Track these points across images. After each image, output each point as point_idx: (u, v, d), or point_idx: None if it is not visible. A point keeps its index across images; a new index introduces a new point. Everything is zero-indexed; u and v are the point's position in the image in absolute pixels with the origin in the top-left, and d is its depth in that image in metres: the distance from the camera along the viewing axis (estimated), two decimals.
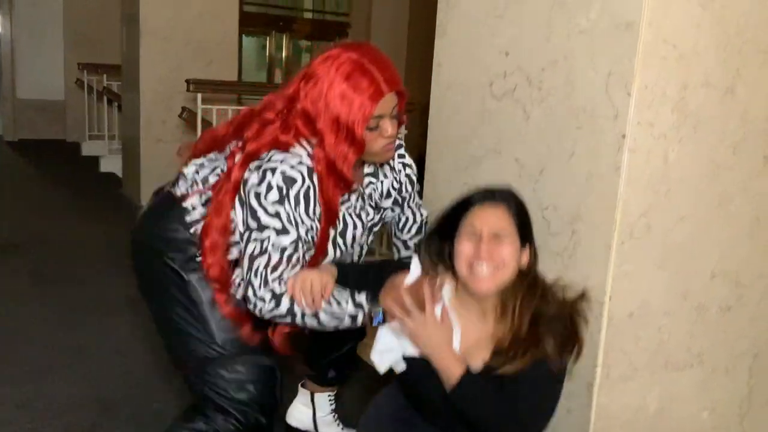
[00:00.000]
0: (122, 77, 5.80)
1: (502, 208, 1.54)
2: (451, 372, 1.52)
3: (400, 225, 2.04)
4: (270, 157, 1.65)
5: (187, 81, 4.26)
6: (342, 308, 1.64)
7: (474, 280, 1.53)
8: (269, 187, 1.61)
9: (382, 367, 1.63)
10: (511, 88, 1.81)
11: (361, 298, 1.66)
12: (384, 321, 1.63)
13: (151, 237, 1.81)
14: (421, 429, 1.71)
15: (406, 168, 1.95)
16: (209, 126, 4.47)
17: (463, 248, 1.54)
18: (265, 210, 1.62)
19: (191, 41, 5.32)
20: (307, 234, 1.66)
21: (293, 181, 1.63)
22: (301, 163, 1.64)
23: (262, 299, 1.63)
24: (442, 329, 1.58)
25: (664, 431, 1.77)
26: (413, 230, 2.04)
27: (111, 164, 6.73)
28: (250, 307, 1.66)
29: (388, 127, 1.66)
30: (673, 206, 1.62)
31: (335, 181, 1.67)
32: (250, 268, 1.63)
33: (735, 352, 1.85)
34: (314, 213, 1.67)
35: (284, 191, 1.62)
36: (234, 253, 1.73)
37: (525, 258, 1.57)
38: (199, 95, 4.26)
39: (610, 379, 1.64)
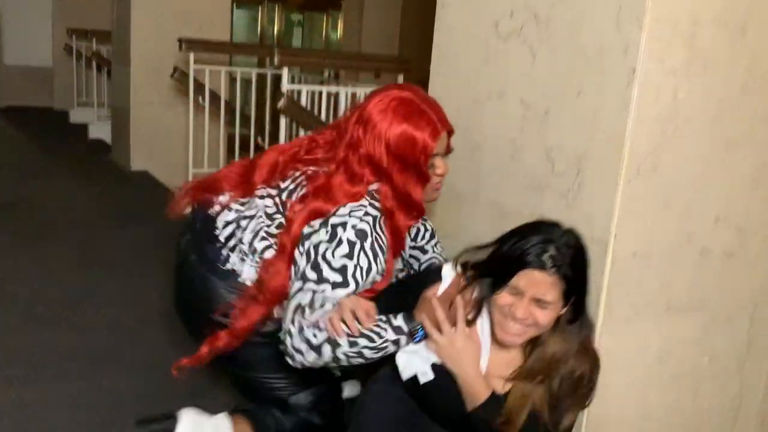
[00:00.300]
0: (112, 43, 5.70)
1: (554, 278, 1.44)
2: (476, 393, 1.51)
3: (413, 235, 1.98)
4: (336, 212, 1.62)
5: (180, 40, 4.21)
6: (383, 338, 1.56)
7: (503, 332, 1.51)
8: (340, 242, 1.58)
9: (405, 372, 1.59)
10: (518, 27, 1.77)
11: (399, 320, 1.58)
12: (425, 337, 1.56)
13: (201, 295, 1.77)
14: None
15: (426, 222, 1.97)
16: (201, 87, 4.41)
17: (503, 300, 1.48)
18: (330, 265, 1.58)
19: (182, 11, 5.20)
20: (370, 280, 1.63)
21: (365, 234, 1.60)
22: (367, 214, 1.62)
23: (299, 351, 1.56)
24: (471, 347, 1.55)
25: (663, 376, 1.77)
26: (427, 236, 2.00)
27: (100, 131, 6.64)
28: (289, 361, 1.60)
29: (441, 165, 1.71)
30: (680, 146, 1.60)
31: (406, 211, 1.69)
32: (292, 320, 1.57)
33: (736, 299, 1.84)
34: (383, 261, 1.64)
35: (357, 246, 1.58)
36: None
37: (568, 312, 1.51)
38: (192, 54, 4.20)
39: (612, 320, 1.63)
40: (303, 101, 3.61)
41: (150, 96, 5.29)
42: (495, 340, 1.56)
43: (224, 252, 1.75)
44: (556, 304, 1.46)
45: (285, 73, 3.43)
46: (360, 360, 1.58)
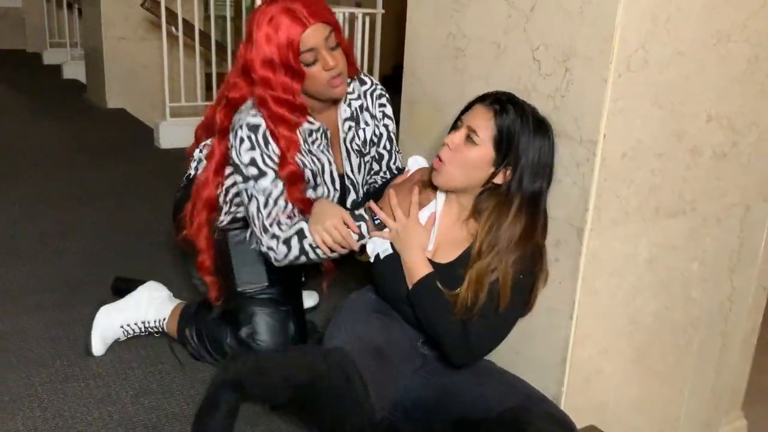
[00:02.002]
0: None
1: (490, 113, 1.55)
2: (415, 272, 1.62)
3: (376, 140, 1.99)
4: (235, 120, 1.78)
5: None
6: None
7: (434, 169, 1.62)
8: (241, 140, 1.73)
9: (372, 254, 1.71)
10: None
11: (360, 210, 1.73)
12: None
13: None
14: (394, 318, 1.73)
15: (386, 118, 1.98)
16: (173, 17, 4.26)
17: (447, 137, 1.60)
18: (242, 162, 1.74)
19: None
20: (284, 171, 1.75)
21: (257, 126, 1.73)
22: (255, 114, 1.74)
23: (271, 248, 1.74)
24: (420, 233, 1.65)
25: (652, 280, 1.73)
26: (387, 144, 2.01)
27: (74, 71, 6.47)
28: (268, 258, 1.78)
29: (328, 59, 1.71)
30: (671, 39, 1.53)
31: (289, 110, 1.74)
32: (248, 217, 1.79)
33: (727, 201, 1.80)
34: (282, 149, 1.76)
35: (253, 138, 1.72)
36: (242, 211, 1.89)
37: (501, 177, 1.57)
38: None
39: (601, 222, 1.58)
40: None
41: (122, 31, 5.12)
42: (446, 216, 1.68)
43: (191, 164, 2.02)
44: (483, 145, 1.55)
45: None
46: (330, 253, 1.72)
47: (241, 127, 1.74)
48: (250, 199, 1.75)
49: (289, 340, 1.89)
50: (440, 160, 1.60)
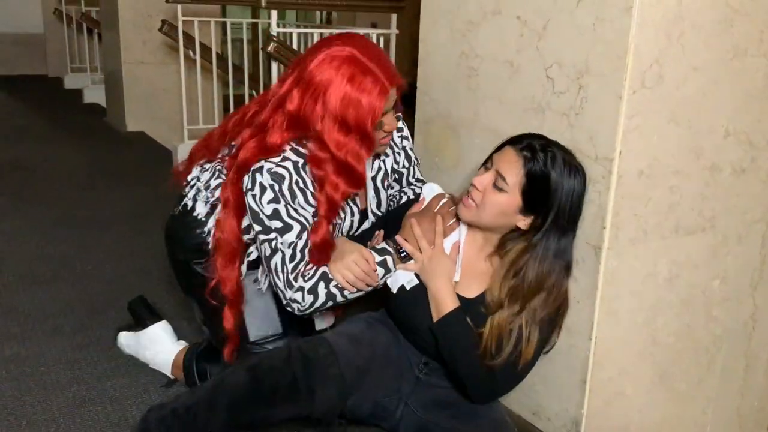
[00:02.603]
0: (100, 4, 5.56)
1: (520, 161, 1.51)
2: (443, 304, 1.59)
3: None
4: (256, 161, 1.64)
5: None
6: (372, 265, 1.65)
7: (460, 205, 1.61)
8: (263, 189, 1.60)
9: (395, 287, 1.68)
10: None
11: (382, 244, 1.69)
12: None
13: (174, 246, 1.90)
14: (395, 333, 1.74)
15: (404, 140, 1.92)
16: (191, 40, 4.31)
17: (476, 176, 1.57)
18: (263, 211, 1.61)
19: None
20: (313, 218, 1.65)
21: (282, 177, 1.61)
22: (285, 159, 1.63)
23: (295, 300, 1.63)
24: (447, 262, 1.63)
25: (673, 300, 1.70)
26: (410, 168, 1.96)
27: (94, 95, 6.55)
28: (289, 310, 1.67)
29: (392, 122, 1.67)
30: (686, 54, 1.51)
31: (347, 180, 1.63)
32: (269, 269, 1.65)
33: (748, 218, 1.76)
34: (313, 200, 1.65)
35: (276, 188, 1.60)
36: (254, 254, 1.77)
37: (526, 224, 1.55)
38: (180, 6, 4.08)
39: (618, 241, 1.55)
40: (294, 45, 3.50)
41: (141, 55, 5.19)
42: (470, 250, 1.66)
43: (185, 190, 1.85)
44: (510, 192, 1.51)
45: (274, 16, 3.31)
46: (356, 293, 1.66)
47: (261, 171, 1.60)
48: (274, 252, 1.62)
49: None
50: (471, 199, 1.57)
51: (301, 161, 1.64)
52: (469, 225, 1.66)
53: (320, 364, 1.55)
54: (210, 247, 1.77)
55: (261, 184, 1.60)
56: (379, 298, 1.77)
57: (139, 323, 2.12)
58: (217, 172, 1.79)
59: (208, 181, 1.80)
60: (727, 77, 1.60)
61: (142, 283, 2.61)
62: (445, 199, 1.72)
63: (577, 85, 1.56)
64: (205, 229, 1.79)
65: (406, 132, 1.93)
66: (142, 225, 3.29)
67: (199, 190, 1.81)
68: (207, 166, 1.82)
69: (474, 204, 1.57)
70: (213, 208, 1.78)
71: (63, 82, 7.35)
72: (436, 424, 1.63)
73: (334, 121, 1.58)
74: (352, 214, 1.80)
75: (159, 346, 2.04)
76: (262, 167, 1.61)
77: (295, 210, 1.62)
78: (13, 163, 4.34)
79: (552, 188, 1.49)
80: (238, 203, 1.66)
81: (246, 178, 1.63)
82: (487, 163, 1.58)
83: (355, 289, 1.65)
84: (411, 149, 1.95)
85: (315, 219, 1.64)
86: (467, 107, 1.88)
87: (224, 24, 4.79)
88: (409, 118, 2.04)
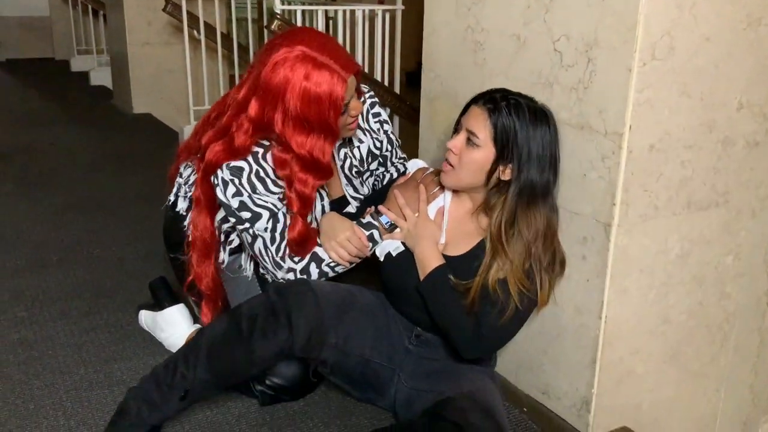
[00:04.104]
0: None
1: (485, 114, 1.54)
2: (427, 264, 1.62)
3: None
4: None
5: None
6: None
7: (442, 173, 1.63)
8: (225, 183, 1.65)
9: (383, 256, 1.71)
10: None
11: (367, 218, 1.73)
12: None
13: (165, 242, 2.06)
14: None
15: (384, 125, 1.96)
16: (195, 20, 4.27)
17: (450, 140, 1.61)
18: (232, 207, 1.67)
19: None
20: (281, 203, 1.69)
21: (240, 169, 1.65)
22: (242, 156, 1.66)
23: (286, 280, 1.69)
24: (430, 227, 1.67)
25: (685, 277, 1.67)
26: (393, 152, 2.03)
27: (101, 77, 6.52)
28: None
29: (356, 106, 1.71)
30: (698, 25, 1.47)
31: (314, 174, 1.67)
32: (255, 255, 1.73)
33: (762, 193, 1.72)
34: (276, 186, 1.68)
35: (236, 182, 1.64)
36: (235, 241, 1.86)
37: (507, 174, 1.56)
38: None
39: (629, 218, 1.52)
40: (298, 23, 3.45)
41: (146, 36, 5.16)
42: (457, 210, 1.69)
43: (174, 186, 1.95)
44: (484, 146, 1.54)
45: None
46: (347, 265, 1.73)
47: (220, 168, 1.65)
48: (254, 238, 1.69)
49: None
50: (449, 164, 1.61)
51: (261, 151, 1.67)
52: (454, 191, 1.68)
53: (295, 291, 1.56)
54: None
55: (223, 179, 1.65)
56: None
57: (157, 304, 2.12)
58: (195, 169, 1.82)
59: (188, 177, 1.88)
60: (740, 48, 1.55)
61: (150, 267, 2.60)
62: (429, 171, 1.78)
63: (586, 59, 1.52)
64: (185, 223, 1.85)
65: (384, 116, 1.97)
66: (149, 208, 3.27)
67: (180, 186, 1.91)
68: (191, 162, 1.88)
69: (452, 167, 1.60)
70: (191, 203, 1.82)
71: (70, 65, 7.32)
72: (420, 390, 1.63)
73: (296, 122, 1.60)
74: (321, 199, 1.83)
75: (174, 328, 2.05)
76: (220, 163, 1.65)
77: (259, 198, 1.66)
78: (20, 147, 4.34)
79: (519, 131, 1.52)
80: (209, 200, 1.72)
81: (212, 176, 1.68)
82: (457, 127, 1.62)
83: (348, 264, 1.71)
84: (392, 132, 2.00)
85: (289, 212, 1.69)
86: (473, 83, 1.84)
87: (229, 3, 4.74)
88: (415, 96, 2.01)
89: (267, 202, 1.67)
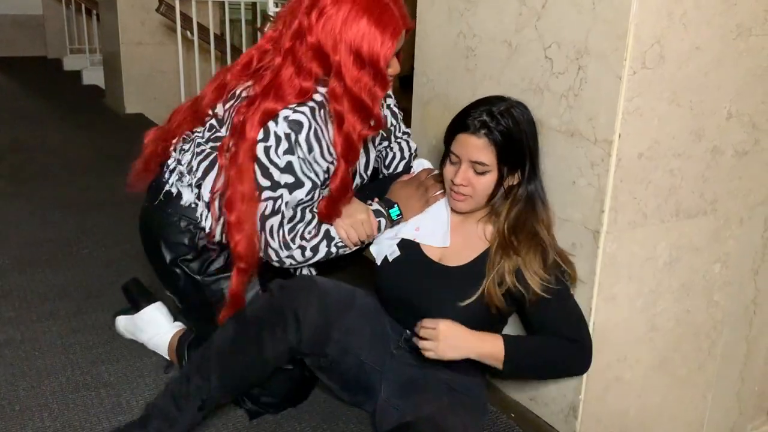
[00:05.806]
0: None
1: (483, 140, 1.53)
2: (493, 353, 1.53)
3: (387, 162, 1.93)
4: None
5: None
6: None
7: (452, 201, 1.63)
8: (278, 138, 1.50)
9: (379, 258, 1.70)
10: None
11: (375, 206, 1.68)
12: (401, 214, 1.71)
13: (158, 243, 1.74)
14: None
15: (387, 98, 1.87)
16: (189, 21, 4.26)
17: (446, 171, 1.61)
18: (276, 165, 1.51)
19: None
20: (324, 175, 1.59)
21: (300, 124, 1.51)
22: (302, 104, 1.52)
23: (291, 257, 1.61)
24: (459, 332, 1.53)
25: (673, 284, 1.68)
26: (400, 167, 1.92)
27: (93, 77, 6.48)
28: (276, 264, 1.63)
29: (396, 65, 1.57)
30: (688, 34, 1.47)
31: (362, 119, 1.52)
32: (263, 228, 1.57)
33: (750, 201, 1.73)
34: (330, 154, 1.57)
35: (293, 138, 1.51)
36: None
37: (516, 178, 1.59)
38: None
39: (617, 225, 1.53)
40: None
41: (140, 36, 5.13)
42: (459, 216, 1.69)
43: (165, 176, 1.73)
44: (492, 168, 1.55)
45: None
46: (348, 248, 1.67)
47: (276, 121, 1.49)
48: (273, 213, 1.55)
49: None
50: (462, 194, 1.59)
51: (317, 106, 1.54)
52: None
53: (300, 286, 1.55)
54: (209, 230, 1.67)
55: (275, 133, 1.50)
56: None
57: (134, 305, 2.10)
58: (200, 152, 1.66)
59: (189, 163, 1.67)
60: (730, 57, 1.56)
61: (139, 267, 2.58)
62: (434, 173, 1.77)
63: (577, 66, 1.53)
64: (197, 215, 1.68)
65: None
66: (138, 209, 3.26)
67: (182, 174, 1.69)
68: (186, 147, 1.71)
69: (466, 196, 1.60)
70: (199, 188, 1.67)
71: (62, 64, 7.29)
72: (390, 405, 1.61)
73: (350, 51, 1.47)
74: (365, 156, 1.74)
75: (155, 328, 2.02)
76: (280, 117, 1.50)
77: (310, 165, 1.55)
78: (11, 145, 4.31)
79: (516, 139, 1.55)
80: (251, 173, 1.53)
81: (261, 129, 1.51)
82: (450, 158, 1.60)
83: (353, 246, 1.66)
84: (395, 105, 1.92)
85: (332, 167, 1.58)
86: (465, 88, 1.84)
87: (222, 4, 4.73)
88: (407, 100, 2.01)
89: (313, 172, 1.56)
